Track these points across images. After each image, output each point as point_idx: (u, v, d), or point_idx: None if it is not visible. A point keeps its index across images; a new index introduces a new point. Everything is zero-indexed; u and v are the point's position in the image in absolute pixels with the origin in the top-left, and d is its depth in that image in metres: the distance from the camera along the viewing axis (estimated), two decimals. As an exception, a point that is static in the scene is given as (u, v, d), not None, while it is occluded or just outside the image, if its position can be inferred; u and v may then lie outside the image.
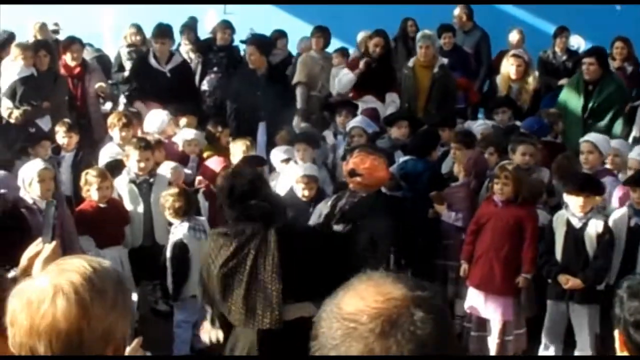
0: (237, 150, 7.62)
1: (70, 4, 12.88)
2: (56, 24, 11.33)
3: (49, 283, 2.08)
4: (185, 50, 11.12)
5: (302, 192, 6.85)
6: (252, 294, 4.56)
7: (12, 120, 8.69)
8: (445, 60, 9.88)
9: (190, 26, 11.49)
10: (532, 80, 9.51)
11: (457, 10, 11.40)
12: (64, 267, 2.13)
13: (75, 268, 2.11)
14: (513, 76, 9.41)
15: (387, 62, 9.81)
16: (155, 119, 8.24)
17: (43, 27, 10.46)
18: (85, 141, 8.44)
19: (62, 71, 9.61)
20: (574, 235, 6.17)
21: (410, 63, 9.71)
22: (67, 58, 9.65)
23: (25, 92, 8.82)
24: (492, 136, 8.04)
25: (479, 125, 8.57)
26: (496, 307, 6.43)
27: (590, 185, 6.23)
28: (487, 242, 6.44)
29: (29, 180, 6.21)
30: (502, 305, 6.42)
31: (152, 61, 9.36)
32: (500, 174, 6.40)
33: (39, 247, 3.20)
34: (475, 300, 6.52)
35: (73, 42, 9.78)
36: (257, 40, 9.71)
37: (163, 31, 9.51)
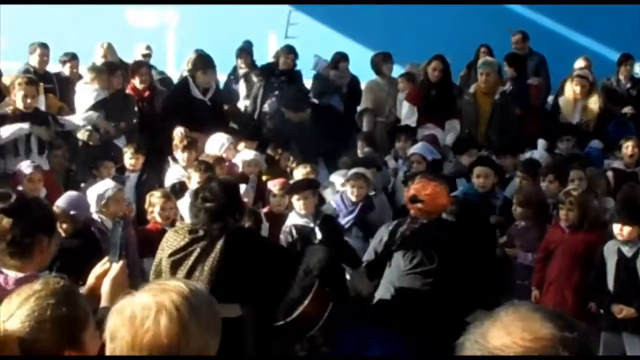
0: (298, 174, 7.66)
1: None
2: (148, 48, 11.53)
3: (152, 300, 2.13)
4: (241, 73, 11.23)
5: (351, 191, 7.14)
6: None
7: (91, 142, 8.85)
8: (506, 87, 9.83)
9: (246, 50, 11.60)
10: (596, 100, 9.37)
11: (515, 37, 11.35)
12: (164, 287, 2.18)
13: (174, 288, 2.16)
14: (578, 96, 9.26)
15: (446, 87, 9.77)
16: (217, 143, 8.31)
17: (110, 47, 10.62)
18: (155, 163, 8.56)
19: (131, 92, 9.74)
20: (626, 264, 6.06)
21: (472, 89, 9.67)
22: (136, 81, 9.79)
23: (106, 115, 8.95)
24: (552, 164, 7.95)
25: (540, 158, 8.49)
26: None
27: (628, 213, 6.09)
28: (558, 268, 6.39)
29: (102, 200, 6.38)
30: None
31: (195, 90, 9.43)
32: (565, 199, 6.37)
33: (106, 266, 3.25)
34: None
35: (141, 66, 9.92)
36: None
37: (207, 62, 9.63)
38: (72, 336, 2.30)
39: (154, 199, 6.76)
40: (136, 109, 9.56)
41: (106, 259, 3.29)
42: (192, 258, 5.00)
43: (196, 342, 2.12)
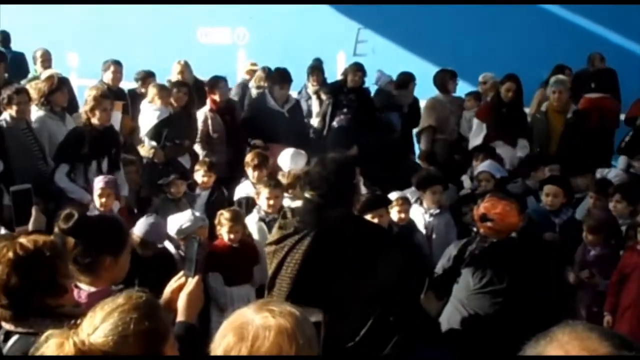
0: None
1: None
2: (254, 64, 11.72)
3: (272, 322, 2.21)
4: (312, 91, 11.30)
5: (397, 215, 7.16)
6: (273, 281, 4.97)
7: (155, 160, 8.99)
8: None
9: (318, 68, 11.68)
10: None
11: (594, 56, 11.21)
12: (272, 308, 2.26)
13: (288, 311, 2.25)
14: None
15: (519, 107, 9.70)
16: (289, 157, 8.38)
17: (187, 64, 10.79)
18: (237, 176, 8.68)
19: (212, 107, 9.87)
20: None
21: (543, 108, 9.57)
22: (216, 96, 9.93)
23: (169, 133, 9.10)
24: (620, 183, 7.80)
25: (615, 177, 8.34)
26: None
27: None
28: (634, 293, 6.25)
29: (181, 234, 6.60)
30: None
31: (272, 103, 9.56)
32: (643, 223, 6.23)
33: (181, 281, 3.29)
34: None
35: (219, 80, 10.09)
36: None
37: (284, 76, 9.85)
38: (153, 350, 2.33)
39: (223, 219, 6.82)
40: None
41: (181, 273, 3.33)
42: (282, 254, 4.95)
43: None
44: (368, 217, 6.69)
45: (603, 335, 1.63)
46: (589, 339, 1.63)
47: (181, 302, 3.18)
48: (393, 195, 7.22)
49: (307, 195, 5.08)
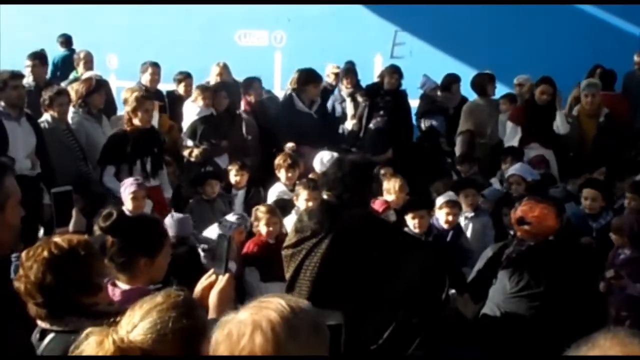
0: (391, 187, 7.60)
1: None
2: (337, 67, 11.81)
3: (250, 318, 2.15)
4: (346, 93, 11.31)
5: (445, 218, 7.10)
6: (292, 285, 4.99)
7: (192, 159, 9.06)
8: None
9: (352, 70, 11.67)
10: None
11: (637, 57, 11.10)
12: (264, 305, 2.19)
13: (274, 307, 2.18)
14: None
15: (553, 109, 9.60)
16: (324, 159, 8.38)
17: (226, 66, 10.85)
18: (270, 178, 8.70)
19: (247, 109, 9.91)
20: None
21: (575, 112, 9.48)
22: (251, 98, 9.96)
23: (205, 131, 9.20)
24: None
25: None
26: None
27: None
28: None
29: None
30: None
31: (299, 104, 9.55)
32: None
33: (212, 279, 3.31)
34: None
35: (253, 81, 10.12)
36: None
37: (311, 76, 9.84)
38: (191, 348, 2.35)
39: (259, 213, 6.89)
40: (244, 129, 9.75)
41: (211, 271, 3.35)
42: (300, 258, 4.97)
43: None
44: (409, 216, 6.69)
45: None
46: (631, 344, 1.61)
47: (212, 300, 3.19)
48: (442, 199, 7.18)
49: (324, 196, 5.08)
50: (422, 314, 5.33)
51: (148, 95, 8.20)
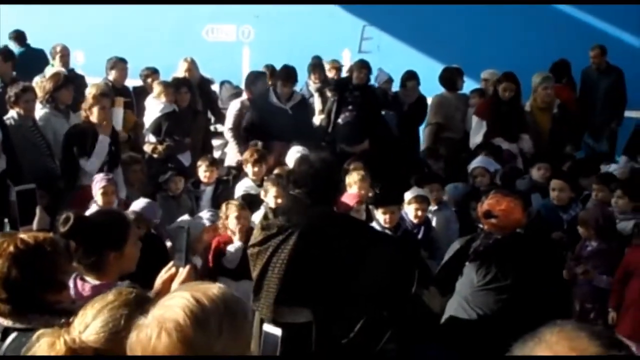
0: (352, 180, 7.57)
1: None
2: (336, 61, 11.86)
3: (154, 320, 2.13)
4: (314, 88, 11.30)
5: (414, 213, 7.09)
6: (260, 284, 4.95)
7: (155, 155, 9.01)
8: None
9: (319, 65, 11.68)
10: None
11: (592, 52, 11.19)
12: (169, 303, 2.16)
13: (178, 303, 2.14)
14: None
15: (517, 104, 9.66)
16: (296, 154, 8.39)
17: (193, 62, 10.80)
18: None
19: (250, 98, 9.89)
20: None
21: (527, 107, 9.55)
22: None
23: (169, 128, 9.15)
24: (623, 178, 7.78)
25: (614, 170, 8.32)
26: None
27: None
28: (637, 290, 6.23)
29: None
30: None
31: (274, 100, 9.54)
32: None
33: (172, 271, 3.30)
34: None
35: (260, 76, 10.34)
36: None
37: (289, 74, 9.81)
38: None
39: (231, 207, 6.84)
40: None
41: (171, 263, 3.34)
42: (266, 256, 4.92)
43: (206, 354, 2.11)
44: (379, 211, 6.69)
45: (592, 334, 1.61)
46: (578, 338, 1.60)
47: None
48: (411, 194, 7.19)
49: (293, 193, 5.05)
50: (391, 308, 5.34)
51: (106, 93, 8.12)
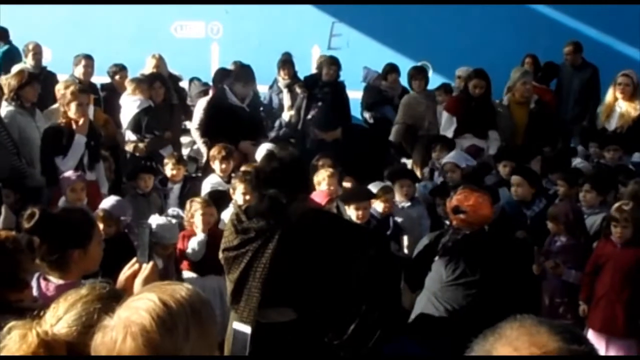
0: (321, 177, 7.51)
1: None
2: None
3: (120, 323, 2.09)
4: (283, 84, 11.28)
5: (383, 205, 7.11)
6: (240, 288, 4.82)
7: (137, 153, 8.95)
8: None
9: (289, 61, 11.66)
10: (636, 106, 9.17)
11: (566, 48, 11.26)
12: (136, 305, 2.13)
13: (144, 305, 2.11)
14: (619, 95, 9.07)
15: (487, 101, 9.69)
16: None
17: (161, 58, 10.73)
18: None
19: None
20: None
21: (505, 101, 9.58)
22: None
23: (149, 123, 9.09)
24: (591, 173, 7.82)
25: (578, 164, 8.37)
26: (618, 351, 6.22)
27: None
28: (608, 283, 6.27)
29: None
30: (625, 349, 6.22)
31: (232, 98, 9.44)
32: (620, 216, 6.24)
33: (135, 268, 3.27)
34: (595, 343, 6.27)
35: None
36: None
37: (248, 75, 9.66)
38: None
39: (195, 204, 6.82)
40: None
41: (134, 259, 3.31)
42: (245, 260, 4.81)
43: (174, 355, 2.08)
44: (351, 208, 6.69)
45: (553, 329, 1.60)
46: (538, 334, 1.59)
47: (136, 289, 3.14)
48: (375, 187, 7.19)
49: (267, 193, 4.91)
50: (382, 306, 5.34)
51: (83, 89, 8.07)
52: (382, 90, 11.10)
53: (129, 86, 9.34)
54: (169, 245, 6.40)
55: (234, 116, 9.16)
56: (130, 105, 9.20)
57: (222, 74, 10.24)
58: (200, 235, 6.63)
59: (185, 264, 6.72)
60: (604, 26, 12.80)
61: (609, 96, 9.25)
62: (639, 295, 6.16)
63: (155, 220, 6.57)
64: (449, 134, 9.38)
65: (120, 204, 6.49)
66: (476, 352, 1.64)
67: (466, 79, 9.84)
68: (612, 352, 6.23)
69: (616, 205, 6.46)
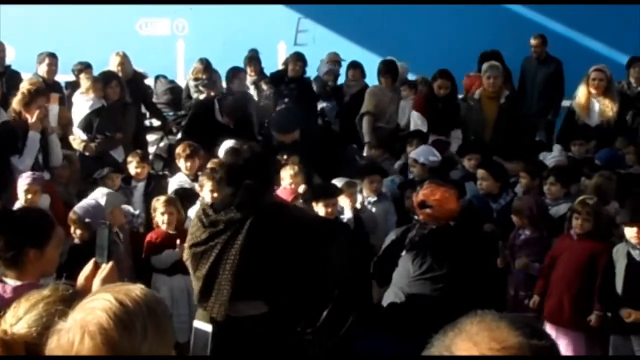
0: (286, 175, 7.52)
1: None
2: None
3: (76, 323, 2.07)
4: (250, 81, 11.26)
5: (348, 201, 7.06)
6: (209, 284, 4.76)
7: (86, 153, 8.86)
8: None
9: (255, 58, 11.63)
10: (614, 98, 9.19)
11: (533, 40, 11.32)
12: (91, 305, 2.11)
13: (101, 305, 2.09)
14: (593, 91, 9.08)
15: (452, 100, 9.71)
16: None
17: (126, 56, 10.63)
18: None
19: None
20: (635, 268, 5.99)
21: (476, 95, 9.62)
22: (233, 85, 10.13)
23: (100, 124, 8.98)
24: (556, 167, 7.86)
25: (552, 158, 8.42)
26: (567, 343, 6.26)
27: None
28: (560, 275, 6.33)
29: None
30: (572, 340, 6.27)
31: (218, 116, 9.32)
32: (582, 209, 6.29)
33: (92, 268, 3.25)
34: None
35: (239, 72, 10.49)
36: None
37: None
38: None
39: (157, 203, 6.80)
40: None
41: (93, 260, 3.28)
42: (214, 254, 4.75)
43: (132, 353, 2.06)
44: (319, 205, 6.69)
45: (513, 324, 1.59)
46: (498, 329, 1.59)
47: (95, 289, 3.12)
48: (340, 183, 7.18)
49: (246, 182, 4.89)
50: (353, 293, 5.35)
51: (42, 89, 7.98)
52: (327, 85, 11.12)
53: (84, 84, 9.19)
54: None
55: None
56: (82, 104, 9.08)
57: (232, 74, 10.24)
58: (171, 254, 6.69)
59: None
60: (568, 20, 12.92)
61: (581, 91, 9.22)
62: (587, 288, 6.20)
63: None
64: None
65: (91, 208, 6.41)
66: (436, 347, 1.63)
67: (431, 79, 9.85)
68: (561, 343, 6.26)
69: (580, 198, 6.52)
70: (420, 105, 9.65)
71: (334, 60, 11.48)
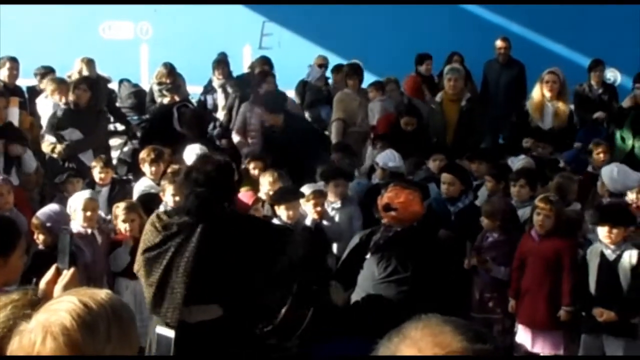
0: (265, 182, 7.53)
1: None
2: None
3: (39, 324, 2.05)
4: (218, 84, 11.23)
5: (313, 209, 7.02)
6: (162, 289, 4.71)
7: (55, 156, 8.79)
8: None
9: (224, 61, 11.61)
10: (567, 101, 9.26)
11: (500, 43, 11.39)
12: (55, 307, 2.09)
13: (65, 307, 2.07)
14: (547, 93, 9.09)
15: (421, 136, 9.56)
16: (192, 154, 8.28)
17: (90, 62, 10.56)
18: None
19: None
20: (608, 267, 6.06)
21: (438, 98, 9.67)
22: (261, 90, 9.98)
23: (68, 126, 8.89)
24: (525, 169, 7.92)
25: (520, 160, 8.47)
26: (544, 344, 6.33)
27: (615, 215, 6.10)
28: (530, 278, 6.37)
29: (74, 209, 6.51)
30: (549, 341, 6.34)
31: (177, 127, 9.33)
32: (544, 206, 6.33)
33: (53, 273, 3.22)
34: (523, 337, 6.43)
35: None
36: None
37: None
38: None
39: (118, 210, 6.78)
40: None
41: (55, 266, 3.26)
42: (167, 257, 4.71)
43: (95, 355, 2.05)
44: (281, 208, 6.67)
45: (457, 329, 1.59)
46: (442, 334, 1.59)
47: (57, 295, 3.09)
48: (307, 189, 7.16)
49: (195, 191, 4.88)
50: (310, 292, 5.35)
51: (1, 92, 7.93)
52: (321, 90, 11.13)
53: (48, 87, 9.12)
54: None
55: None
56: (48, 107, 9.01)
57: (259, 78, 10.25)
58: (126, 246, 6.65)
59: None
60: (530, 24, 13.03)
61: (536, 93, 9.26)
62: (559, 286, 6.27)
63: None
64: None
65: (54, 214, 6.35)
66: (381, 353, 1.63)
67: (397, 114, 9.84)
68: (538, 346, 6.34)
69: (542, 195, 6.57)
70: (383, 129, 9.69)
71: (321, 64, 11.49)
